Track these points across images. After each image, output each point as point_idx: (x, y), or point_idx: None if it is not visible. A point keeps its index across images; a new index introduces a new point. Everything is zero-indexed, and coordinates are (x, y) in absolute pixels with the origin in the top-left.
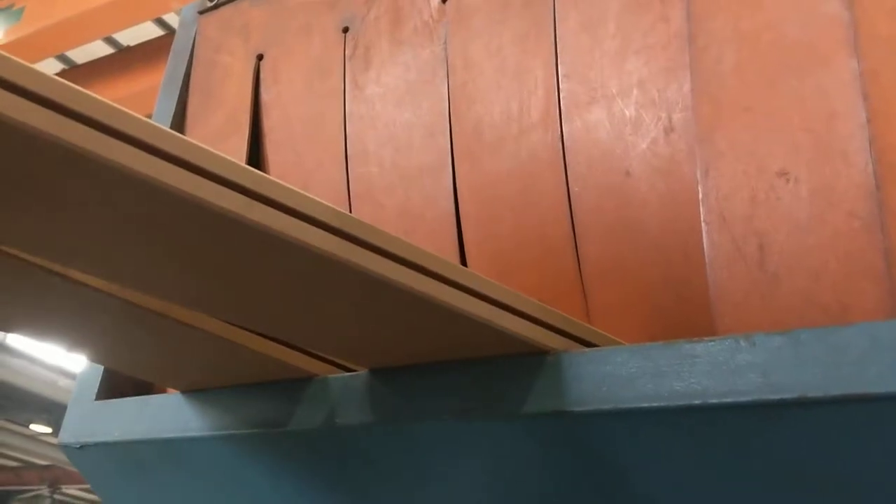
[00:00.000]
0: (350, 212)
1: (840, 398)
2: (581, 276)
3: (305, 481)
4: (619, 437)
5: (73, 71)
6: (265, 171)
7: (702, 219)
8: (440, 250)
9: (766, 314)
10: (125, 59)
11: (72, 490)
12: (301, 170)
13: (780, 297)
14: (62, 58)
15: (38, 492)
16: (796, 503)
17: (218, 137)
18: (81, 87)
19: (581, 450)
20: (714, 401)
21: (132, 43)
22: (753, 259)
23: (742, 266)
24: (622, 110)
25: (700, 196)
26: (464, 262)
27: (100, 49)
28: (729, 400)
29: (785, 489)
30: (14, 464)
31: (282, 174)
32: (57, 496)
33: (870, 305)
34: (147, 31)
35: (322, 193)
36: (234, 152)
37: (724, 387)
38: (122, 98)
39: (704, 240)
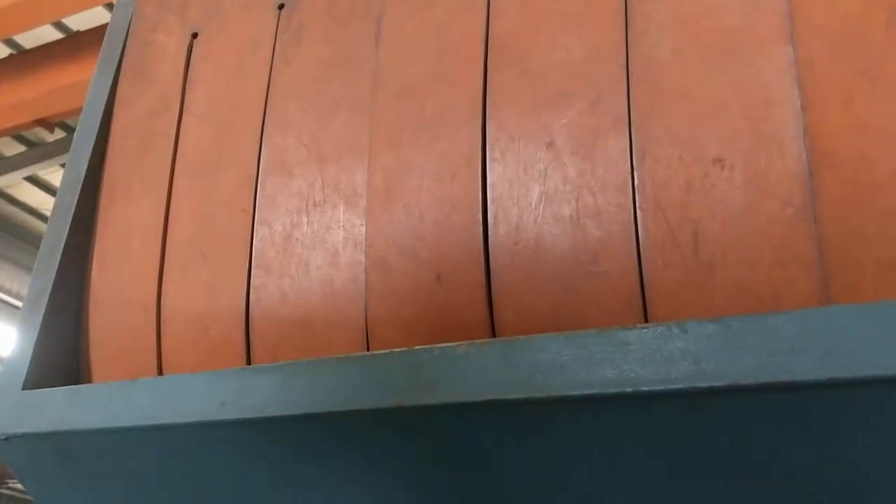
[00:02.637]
0: (256, 184)
1: (770, 385)
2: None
3: (238, 471)
4: (552, 424)
5: (22, 56)
6: (178, 147)
7: (637, 206)
8: (347, 221)
9: (699, 303)
10: (75, 44)
11: (19, 484)
12: (217, 143)
13: (714, 286)
14: (10, 42)
15: None
16: (727, 489)
17: (148, 117)
18: (30, 72)
19: (516, 437)
20: (645, 388)
21: (82, 28)
22: (688, 247)
23: (677, 254)
24: (551, 84)
25: (636, 183)
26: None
27: (49, 33)
28: (660, 387)
29: (716, 475)
30: None
31: (197, 149)
32: (4, 490)
33: (802, 294)
34: (97, 16)
35: (233, 165)
36: (165, 132)
37: (655, 374)
38: (71, 84)
39: (639, 227)
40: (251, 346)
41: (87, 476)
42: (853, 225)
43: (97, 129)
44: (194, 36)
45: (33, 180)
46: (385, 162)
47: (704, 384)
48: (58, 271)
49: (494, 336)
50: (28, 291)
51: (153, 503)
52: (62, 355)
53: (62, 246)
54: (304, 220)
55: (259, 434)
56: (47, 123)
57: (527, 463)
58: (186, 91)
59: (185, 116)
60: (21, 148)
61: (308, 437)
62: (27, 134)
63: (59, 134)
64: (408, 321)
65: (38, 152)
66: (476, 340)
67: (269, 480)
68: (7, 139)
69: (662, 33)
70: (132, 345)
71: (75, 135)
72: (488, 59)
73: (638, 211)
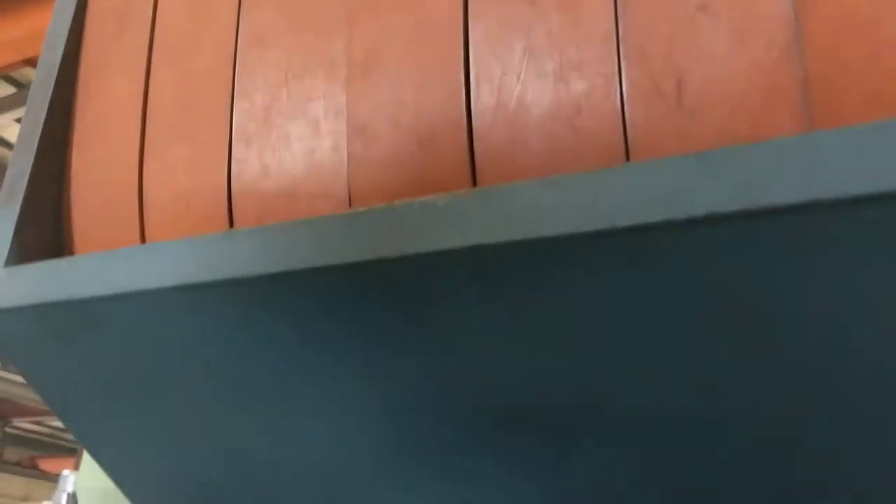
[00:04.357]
0: (235, 59)
1: (747, 212)
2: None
3: (222, 338)
4: (537, 267)
5: None
6: (155, 27)
7: (621, 56)
8: (327, 90)
9: (683, 151)
10: None
11: (23, 423)
12: (194, 21)
13: (698, 133)
14: None
15: None
16: (705, 322)
17: (123, 58)
18: (17, 10)
19: (498, 287)
20: (623, 224)
21: None
22: (672, 96)
23: (660, 104)
24: None
25: (620, 33)
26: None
27: None
28: (638, 221)
29: (697, 317)
30: None
31: (174, 28)
32: (8, 430)
33: (786, 135)
34: None
35: (210, 41)
36: (141, 12)
37: (633, 209)
38: (42, 28)
39: (623, 78)
40: (233, 221)
41: (73, 349)
42: (837, 60)
43: (72, 15)
44: None
45: None
46: (364, 29)
47: (683, 216)
48: (36, 156)
49: None
50: (7, 177)
51: (140, 373)
52: (44, 236)
53: (40, 131)
54: (284, 91)
55: (241, 296)
56: (36, 63)
57: (508, 316)
58: (156, 22)
59: (153, 48)
60: (11, 89)
61: (289, 298)
62: (15, 75)
63: None
64: (390, 188)
65: (27, 94)
66: (456, 192)
67: (253, 346)
68: None
69: None
70: (115, 224)
71: (51, 21)
72: None
73: (622, 61)
